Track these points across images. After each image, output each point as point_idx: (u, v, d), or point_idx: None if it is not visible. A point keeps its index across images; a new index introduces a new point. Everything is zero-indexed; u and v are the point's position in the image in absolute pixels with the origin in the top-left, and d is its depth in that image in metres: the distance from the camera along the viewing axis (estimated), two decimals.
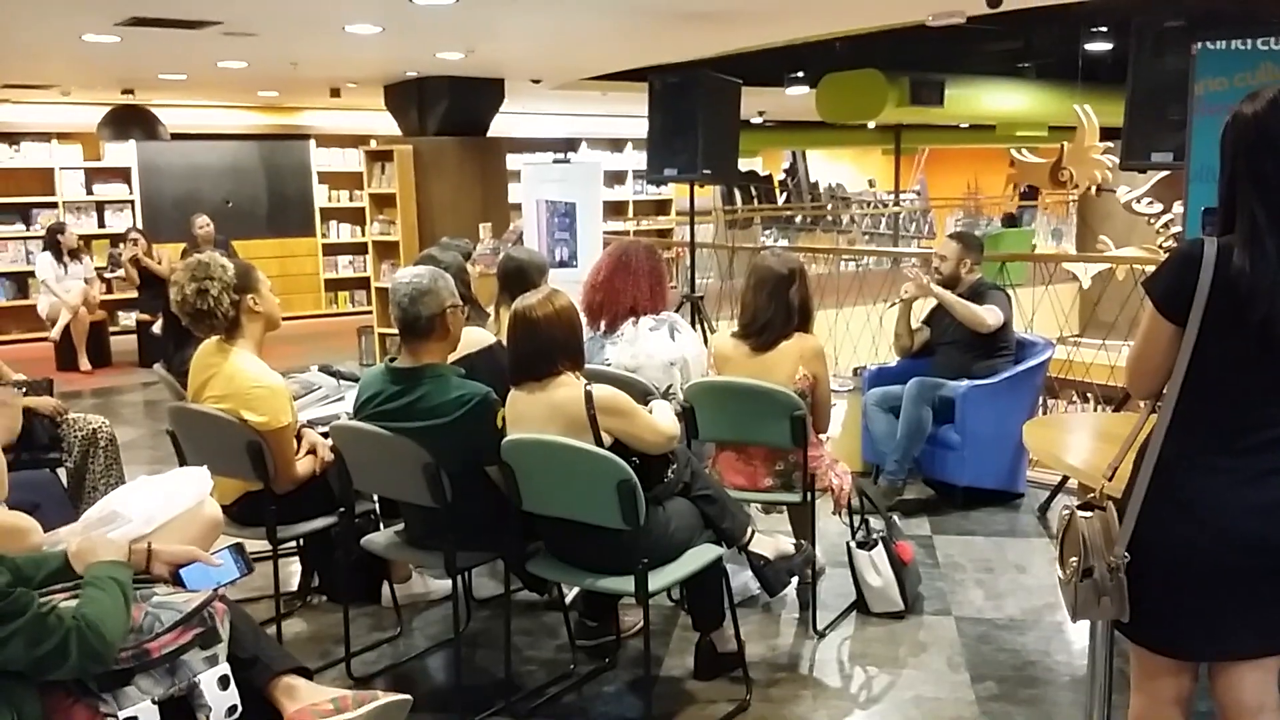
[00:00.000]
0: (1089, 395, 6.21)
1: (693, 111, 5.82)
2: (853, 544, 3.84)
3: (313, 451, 3.50)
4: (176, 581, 2.28)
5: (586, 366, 3.27)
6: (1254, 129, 1.96)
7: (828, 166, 22.47)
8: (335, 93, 9.98)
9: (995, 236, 14.86)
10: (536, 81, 9.44)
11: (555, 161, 7.48)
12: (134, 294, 9.53)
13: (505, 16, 5.93)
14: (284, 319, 3.71)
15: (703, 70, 5.99)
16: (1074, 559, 2.08)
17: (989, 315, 4.90)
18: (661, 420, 3.11)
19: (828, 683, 3.39)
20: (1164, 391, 2.04)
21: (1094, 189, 7.56)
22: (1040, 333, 5.82)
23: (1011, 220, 16.42)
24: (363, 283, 12.00)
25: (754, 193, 18.85)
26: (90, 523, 2.58)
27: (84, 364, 9.04)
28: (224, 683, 2.14)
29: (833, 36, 8.28)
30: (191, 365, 3.52)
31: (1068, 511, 2.13)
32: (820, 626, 3.72)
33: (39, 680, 1.98)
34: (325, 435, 3.51)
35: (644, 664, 3.19)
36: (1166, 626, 2.06)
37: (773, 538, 3.45)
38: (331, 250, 12.56)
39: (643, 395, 3.38)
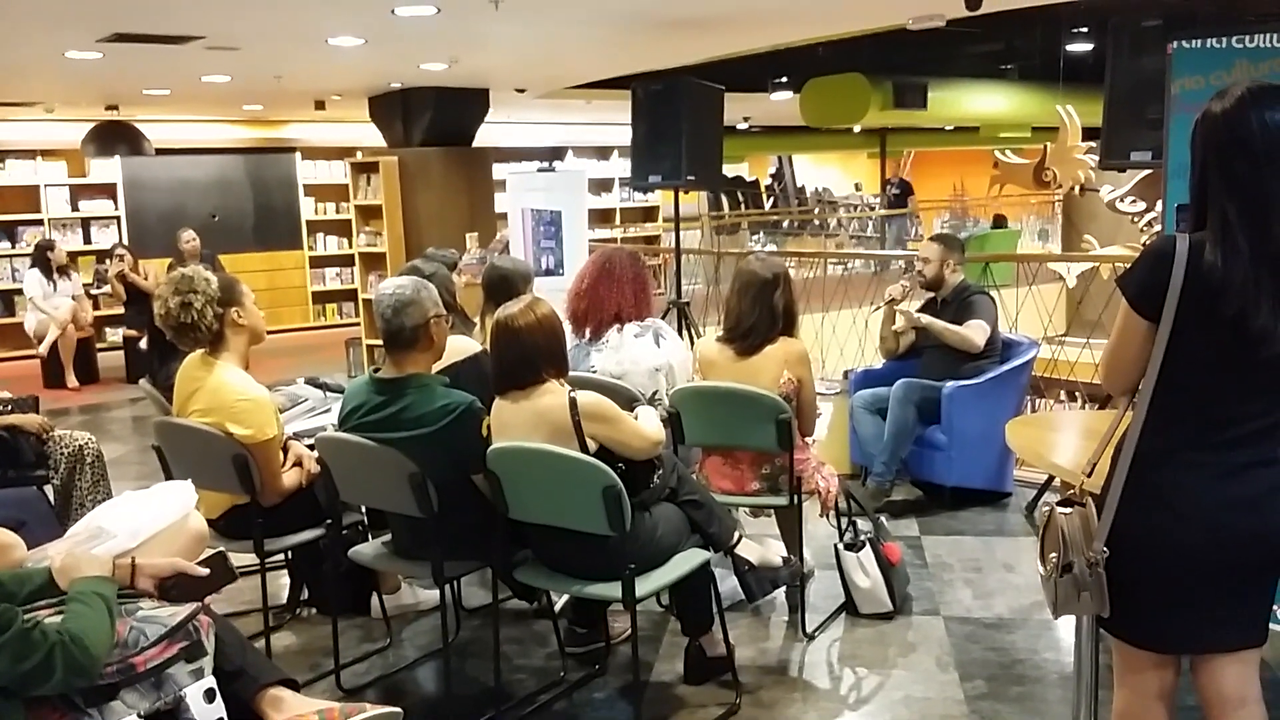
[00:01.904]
0: (1076, 394, 6.24)
1: (676, 118, 5.84)
2: (840, 546, 3.85)
3: (299, 464, 3.50)
4: (161, 595, 2.28)
5: (572, 374, 3.28)
6: (1223, 127, 1.97)
7: (814, 171, 22.55)
8: (320, 105, 9.99)
9: (981, 237, 14.93)
10: (521, 91, 9.46)
11: (540, 170, 7.51)
12: (120, 310, 9.51)
13: (487, 27, 5.94)
14: (272, 332, 3.72)
15: (685, 77, 6.02)
16: (1054, 555, 2.09)
17: (976, 334, 4.92)
18: (646, 426, 3.12)
19: (817, 684, 3.40)
20: (1140, 387, 2.06)
21: (1077, 188, 7.62)
22: (1025, 332, 5.85)
23: (1000, 221, 16.50)
24: (350, 295, 11.99)
25: (741, 198, 18.90)
26: (76, 538, 2.58)
27: (71, 381, 9.01)
28: (210, 695, 2.14)
29: (815, 41, 8.33)
30: (176, 379, 3.52)
31: (1047, 508, 2.15)
32: (809, 629, 3.73)
33: (24, 696, 1.98)
34: (311, 447, 3.51)
35: (633, 670, 3.19)
36: (1146, 620, 2.08)
37: (761, 544, 3.46)
38: (318, 263, 12.54)
39: (628, 402, 3.39)
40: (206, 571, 2.35)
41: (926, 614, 3.87)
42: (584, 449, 2.94)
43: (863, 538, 3.84)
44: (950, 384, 4.90)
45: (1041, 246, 16.47)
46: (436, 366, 3.27)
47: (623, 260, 4.00)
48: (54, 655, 1.93)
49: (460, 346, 3.66)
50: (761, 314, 3.70)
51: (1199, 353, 1.98)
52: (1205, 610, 2.03)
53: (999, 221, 16.48)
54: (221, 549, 2.49)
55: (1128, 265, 2.10)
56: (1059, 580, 2.09)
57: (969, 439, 4.90)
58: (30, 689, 1.96)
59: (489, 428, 3.06)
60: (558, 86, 9.66)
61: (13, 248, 10.69)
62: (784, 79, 11.51)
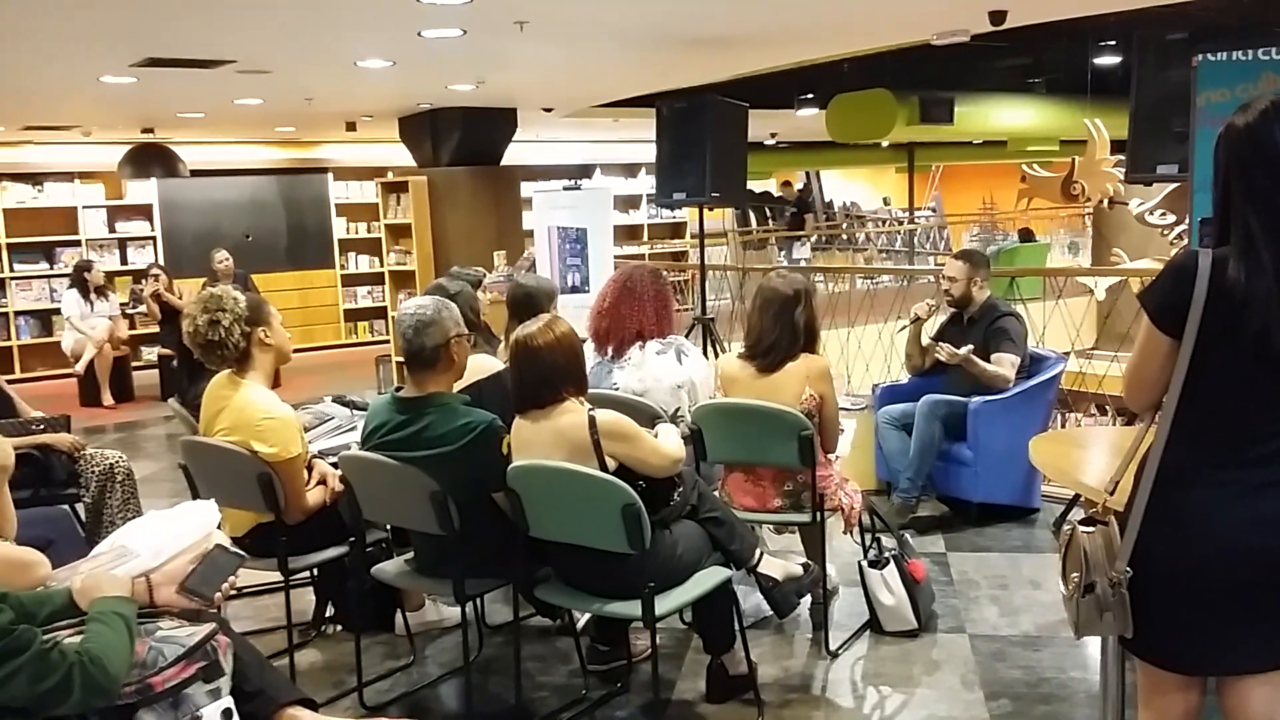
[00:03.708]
0: (1105, 408, 6.16)
1: (700, 135, 5.86)
2: (864, 563, 3.82)
3: (323, 482, 3.53)
4: (179, 592, 2.28)
5: (593, 391, 3.28)
6: (1246, 140, 1.96)
7: (842, 185, 22.49)
8: (351, 126, 10.10)
9: (1010, 251, 14.82)
10: (548, 110, 9.52)
11: (565, 189, 7.55)
12: (156, 329, 9.64)
13: (513, 47, 5.99)
14: (305, 350, 3.78)
15: (709, 95, 6.04)
16: (1076, 575, 2.06)
17: (1008, 370, 4.85)
18: (666, 443, 3.12)
19: (840, 703, 3.37)
20: (1163, 404, 2.03)
21: (1106, 202, 7.55)
22: (1053, 346, 5.78)
23: (1028, 235, 16.37)
24: (381, 312, 12.09)
25: (769, 214, 18.88)
26: (100, 558, 2.60)
27: (107, 399, 9.13)
28: (227, 715, 2.15)
29: (841, 58, 8.32)
30: (204, 398, 3.56)
31: (1069, 527, 2.12)
32: (833, 646, 3.70)
33: (43, 716, 1.99)
34: (335, 466, 3.53)
35: (654, 688, 3.18)
36: (1170, 641, 2.04)
37: (783, 559, 3.45)
38: (350, 281, 12.67)
39: (651, 419, 3.39)
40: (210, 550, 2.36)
41: (952, 631, 3.83)
42: (603, 467, 2.94)
43: (887, 554, 3.81)
44: (976, 399, 4.85)
45: (1072, 259, 16.32)
46: (459, 385, 3.28)
47: (643, 278, 4.01)
48: (73, 675, 1.94)
49: (483, 365, 3.68)
50: (783, 331, 3.69)
51: (1222, 369, 1.95)
52: (1229, 631, 1.99)
53: (1025, 235, 16.36)
54: (219, 543, 2.46)
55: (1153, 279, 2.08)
56: (1081, 600, 2.06)
57: (995, 454, 4.85)
58: (48, 709, 1.97)
59: (509, 446, 3.07)
60: (584, 105, 9.71)
61: (51, 268, 10.89)
62: (810, 95, 11.51)
